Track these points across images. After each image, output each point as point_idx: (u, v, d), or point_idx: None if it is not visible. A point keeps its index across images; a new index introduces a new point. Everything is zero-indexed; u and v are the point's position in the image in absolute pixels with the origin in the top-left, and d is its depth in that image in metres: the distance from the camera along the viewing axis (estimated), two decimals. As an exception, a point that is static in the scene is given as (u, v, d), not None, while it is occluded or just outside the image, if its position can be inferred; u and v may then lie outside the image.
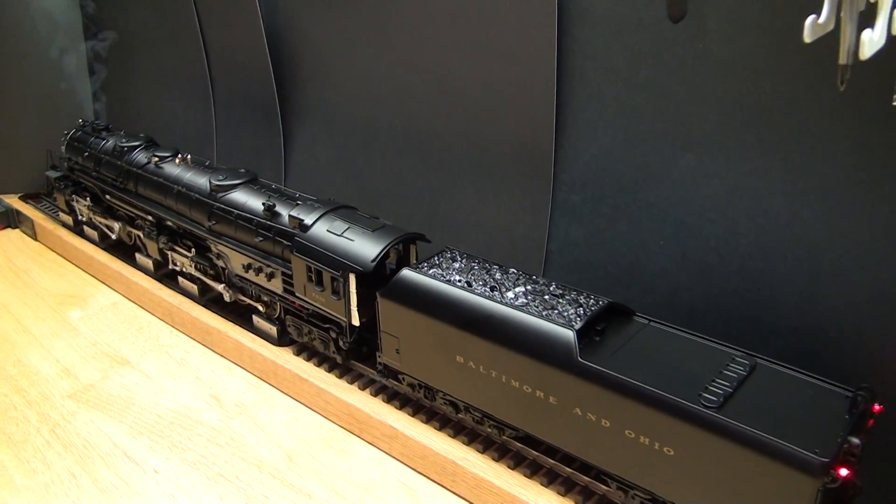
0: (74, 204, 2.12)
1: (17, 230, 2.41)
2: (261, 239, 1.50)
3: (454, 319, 1.16)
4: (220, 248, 1.61)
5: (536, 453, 1.18)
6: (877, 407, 0.96)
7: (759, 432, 0.88)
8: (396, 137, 1.72)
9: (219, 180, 1.62)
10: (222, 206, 1.59)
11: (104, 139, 1.99)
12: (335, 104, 1.85)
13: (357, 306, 1.33)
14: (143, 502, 1.25)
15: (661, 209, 1.26)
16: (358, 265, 1.30)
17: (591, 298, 1.13)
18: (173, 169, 1.75)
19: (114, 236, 2.00)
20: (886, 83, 0.84)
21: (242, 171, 1.65)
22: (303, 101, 1.94)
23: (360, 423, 1.38)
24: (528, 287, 1.17)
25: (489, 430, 1.21)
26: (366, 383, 1.42)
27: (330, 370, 1.48)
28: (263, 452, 1.37)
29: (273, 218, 1.48)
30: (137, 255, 1.95)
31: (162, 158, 1.80)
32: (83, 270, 2.11)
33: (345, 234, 1.36)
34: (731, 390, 0.96)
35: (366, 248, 1.32)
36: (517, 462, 1.20)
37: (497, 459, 1.22)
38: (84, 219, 2.11)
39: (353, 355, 1.44)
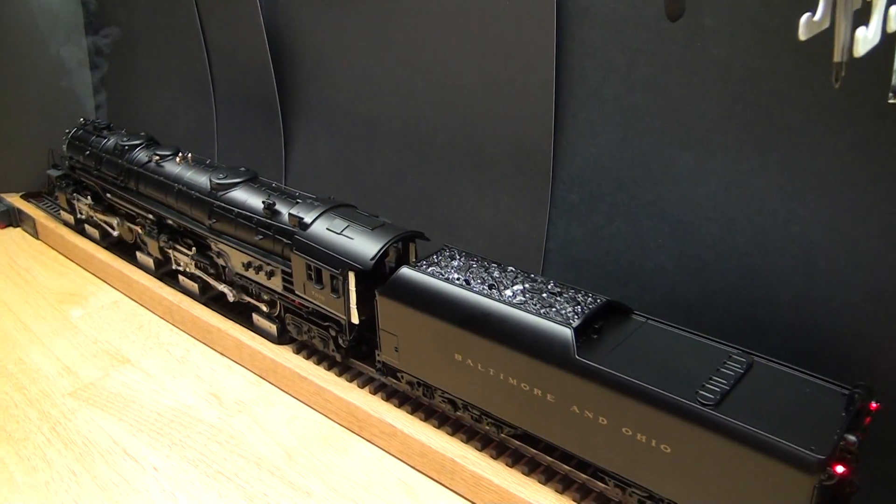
0: (75, 202, 2.13)
1: (18, 229, 2.41)
2: (261, 237, 1.50)
3: (452, 317, 1.16)
4: (221, 246, 1.61)
5: (535, 451, 1.18)
6: (874, 405, 0.96)
7: (756, 430, 0.88)
8: (396, 136, 1.72)
9: (219, 179, 1.62)
10: (222, 204, 1.59)
11: (105, 138, 2.00)
12: (335, 103, 1.86)
13: (356, 304, 1.33)
14: (142, 499, 1.26)
15: (659, 207, 1.26)
16: (357, 263, 1.30)
17: (588, 296, 1.14)
18: (174, 167, 1.76)
19: (115, 233, 2.00)
20: (884, 81, 0.84)
21: (243, 169, 1.66)
22: (303, 100, 1.94)
23: (359, 420, 1.38)
24: (527, 285, 1.17)
25: (487, 427, 1.22)
26: (365, 381, 1.43)
27: (329, 368, 1.48)
28: (263, 450, 1.37)
29: (273, 216, 1.48)
30: (138, 254, 1.95)
31: (163, 157, 1.80)
32: (84, 269, 2.12)
33: (344, 233, 1.36)
34: (727, 388, 0.96)
35: (365, 246, 1.32)
36: (515, 460, 1.21)
37: (495, 457, 1.22)
38: (85, 217, 2.12)
39: (353, 353, 1.44)
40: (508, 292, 1.15)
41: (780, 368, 1.02)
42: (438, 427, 1.30)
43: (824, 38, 0.72)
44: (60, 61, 2.41)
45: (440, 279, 1.20)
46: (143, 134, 1.95)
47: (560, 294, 1.15)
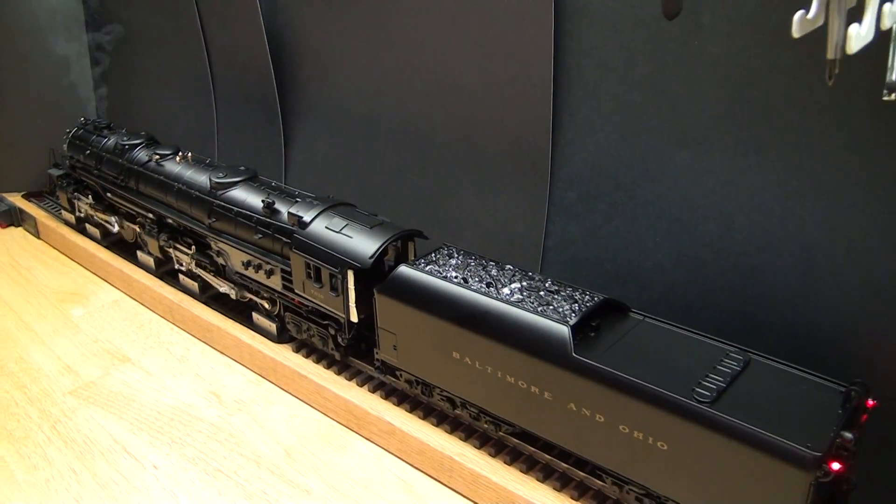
0: (76, 202, 2.13)
1: (20, 228, 2.42)
2: (260, 236, 1.51)
3: (450, 315, 1.17)
4: (220, 245, 1.62)
5: (533, 449, 1.18)
6: (870, 402, 0.96)
7: (752, 427, 0.89)
8: (395, 136, 1.73)
9: (219, 178, 1.63)
10: (222, 203, 1.60)
11: (105, 137, 2.00)
12: (335, 103, 1.86)
13: (355, 303, 1.34)
14: (142, 497, 1.26)
15: (657, 206, 1.27)
16: (356, 262, 1.31)
17: (586, 295, 1.14)
18: (174, 167, 1.76)
19: (114, 229, 2.01)
20: (880, 79, 0.84)
21: (242, 168, 1.66)
22: (303, 99, 1.94)
23: (358, 419, 1.39)
24: (524, 283, 1.17)
25: (486, 425, 1.22)
26: (364, 380, 1.43)
27: (328, 367, 1.49)
28: (262, 448, 1.37)
29: (272, 215, 1.49)
30: (139, 253, 1.96)
31: (163, 156, 1.81)
32: (85, 268, 2.13)
33: (343, 231, 1.37)
34: (724, 385, 0.96)
35: (364, 244, 1.33)
36: (513, 457, 1.21)
37: (493, 455, 1.23)
38: (86, 216, 2.13)
39: (352, 352, 1.45)
40: (506, 290, 1.15)
41: (777, 366, 1.02)
42: (437, 425, 1.30)
43: (821, 37, 0.72)
44: (61, 60, 2.42)
45: (438, 277, 1.20)
46: (143, 133, 1.96)
47: (557, 292, 1.15)
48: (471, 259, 1.27)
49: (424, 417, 1.32)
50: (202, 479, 1.30)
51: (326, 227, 1.39)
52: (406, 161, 1.72)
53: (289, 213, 1.45)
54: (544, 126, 1.37)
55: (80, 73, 2.49)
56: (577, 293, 1.14)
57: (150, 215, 1.83)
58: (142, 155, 1.87)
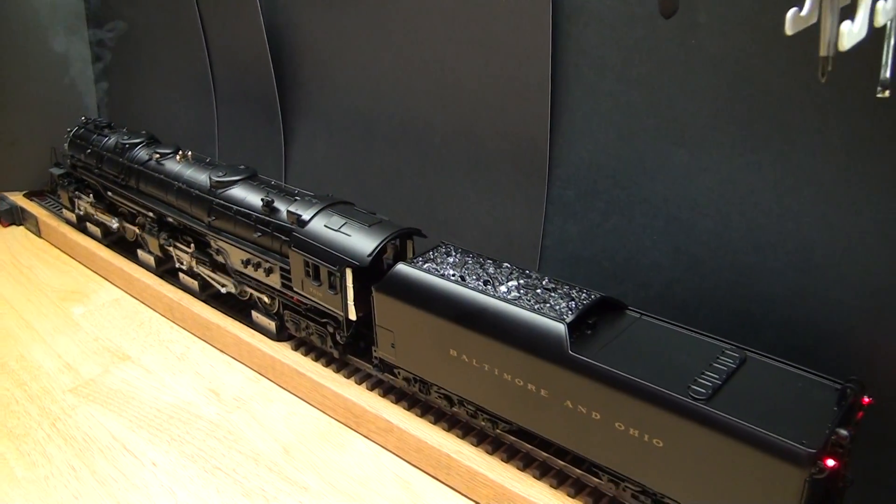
0: (77, 201, 2.14)
1: (21, 227, 2.43)
2: (259, 234, 1.51)
3: (448, 313, 1.17)
4: (220, 243, 1.62)
5: (530, 446, 1.19)
6: (866, 399, 0.96)
7: (747, 423, 0.89)
8: (395, 135, 1.73)
9: (218, 177, 1.63)
10: (222, 202, 1.60)
11: (106, 136, 2.01)
12: (334, 102, 1.87)
13: (353, 301, 1.34)
14: (141, 494, 1.27)
15: (654, 204, 1.27)
16: (354, 260, 1.31)
17: (583, 292, 1.14)
18: (174, 165, 1.77)
19: (114, 226, 2.01)
20: (877, 77, 0.85)
21: (242, 167, 1.67)
22: (303, 98, 1.95)
23: (356, 417, 1.39)
24: (521, 281, 1.18)
25: (483, 423, 1.22)
26: (362, 378, 1.44)
27: (327, 365, 1.49)
28: (261, 446, 1.38)
29: (271, 213, 1.49)
30: (139, 252, 1.96)
31: (163, 155, 1.81)
32: (86, 267, 2.13)
33: (342, 230, 1.37)
34: (720, 383, 0.96)
35: (362, 243, 1.33)
36: (511, 455, 1.21)
37: (491, 453, 1.23)
38: (86, 215, 2.13)
39: (350, 350, 1.45)
40: (503, 288, 1.16)
41: (773, 363, 1.02)
42: (435, 423, 1.31)
43: (816, 35, 0.72)
44: (62, 60, 2.43)
45: (436, 275, 1.21)
46: (143, 132, 1.97)
47: (554, 290, 1.15)
48: (468, 257, 1.27)
49: (422, 415, 1.33)
50: (201, 477, 1.30)
51: (325, 226, 1.39)
52: (405, 160, 1.72)
53: (288, 211, 1.45)
54: (542, 125, 1.38)
55: (81, 72, 2.50)
56: (573, 291, 1.15)
57: (151, 214, 1.83)
58: (142, 154, 1.88)
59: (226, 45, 2.08)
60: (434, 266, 1.24)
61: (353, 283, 1.33)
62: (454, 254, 1.29)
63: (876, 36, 0.72)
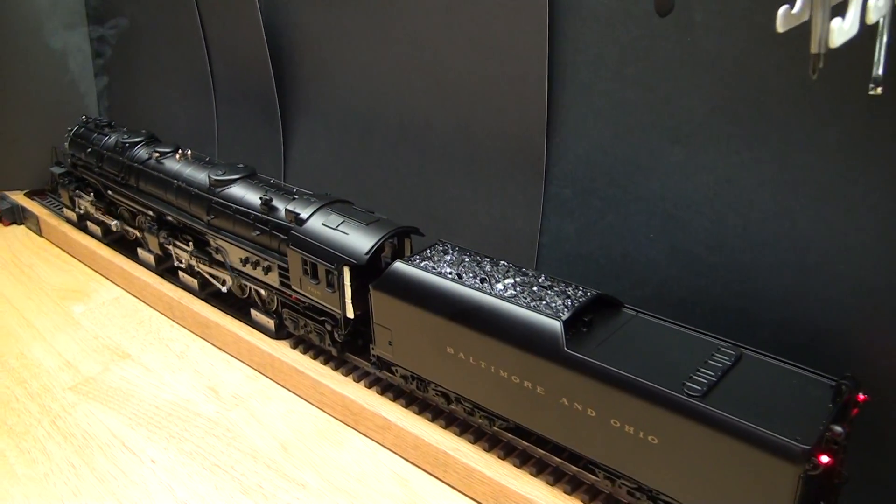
0: (78, 199, 2.15)
1: (22, 226, 2.44)
2: (258, 233, 1.52)
3: (444, 311, 1.17)
4: (219, 242, 1.63)
5: (526, 443, 1.19)
6: (861, 396, 0.97)
7: (742, 420, 0.89)
8: (393, 133, 1.73)
9: (217, 175, 1.64)
10: (221, 200, 1.61)
11: (106, 135, 2.02)
12: (333, 101, 1.87)
13: (351, 299, 1.35)
14: (139, 491, 1.27)
15: (651, 202, 1.27)
16: (352, 258, 1.32)
17: (579, 290, 1.14)
18: (173, 164, 1.77)
19: (113, 223, 2.02)
20: (870, 74, 0.85)
21: (241, 166, 1.67)
22: (302, 97, 1.95)
23: (354, 414, 1.40)
24: (518, 279, 1.18)
25: (480, 420, 1.23)
26: (360, 375, 1.44)
27: (325, 363, 1.49)
28: (259, 443, 1.38)
29: (270, 212, 1.50)
30: (139, 251, 1.97)
31: (163, 154, 1.82)
32: (86, 265, 2.14)
33: (339, 228, 1.37)
34: (714, 380, 0.97)
35: (360, 241, 1.34)
36: (507, 452, 1.22)
37: (488, 450, 1.23)
38: (87, 214, 2.14)
39: (349, 348, 1.46)
40: (499, 286, 1.16)
41: (769, 361, 1.02)
42: (432, 420, 1.31)
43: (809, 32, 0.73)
44: (63, 59, 2.43)
45: (433, 273, 1.21)
46: (143, 131, 1.97)
47: (551, 288, 1.15)
48: (465, 255, 1.28)
49: (420, 413, 1.33)
50: (199, 474, 1.31)
51: (323, 224, 1.40)
52: (403, 159, 1.73)
53: (286, 209, 1.46)
54: (539, 123, 1.38)
55: (82, 71, 2.51)
56: (570, 289, 1.15)
57: (150, 213, 1.84)
58: (142, 153, 1.88)
59: (225, 44, 2.08)
60: (431, 264, 1.25)
61: (351, 281, 1.33)
62: (451, 252, 1.29)
63: (871, 33, 0.73)
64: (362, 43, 1.72)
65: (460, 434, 1.27)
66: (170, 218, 1.77)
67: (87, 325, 1.82)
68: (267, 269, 1.52)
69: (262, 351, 1.57)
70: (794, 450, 0.85)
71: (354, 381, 1.44)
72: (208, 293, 1.78)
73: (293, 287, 1.45)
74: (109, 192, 1.97)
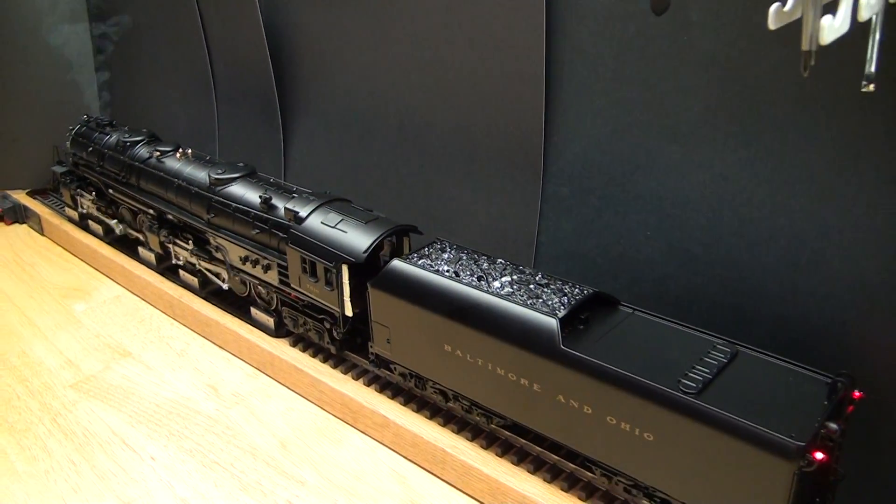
0: (79, 199, 2.16)
1: (24, 225, 2.45)
2: (257, 231, 1.52)
3: (442, 309, 1.18)
4: (219, 240, 1.63)
5: (524, 441, 1.19)
6: (857, 393, 0.97)
7: (736, 417, 0.89)
8: (392, 133, 1.74)
9: (217, 174, 1.64)
10: (221, 199, 1.61)
11: (108, 134, 2.02)
12: (333, 100, 1.88)
13: (350, 297, 1.35)
14: (139, 488, 1.28)
15: (648, 200, 1.27)
16: (350, 256, 1.32)
17: (576, 288, 1.15)
18: (174, 163, 1.78)
19: (112, 221, 2.03)
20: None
21: (241, 165, 1.68)
22: (302, 96, 1.96)
23: (353, 412, 1.40)
24: (515, 277, 1.18)
25: (477, 418, 1.23)
26: (359, 373, 1.45)
27: (324, 360, 1.50)
28: (258, 441, 1.39)
29: (269, 210, 1.51)
30: (140, 249, 1.98)
31: (163, 153, 1.83)
32: (88, 264, 2.15)
33: (338, 226, 1.38)
34: (710, 377, 0.97)
35: (358, 239, 1.34)
36: (505, 449, 1.22)
37: (485, 447, 1.24)
38: (88, 213, 2.15)
39: (347, 346, 1.46)
40: (496, 284, 1.16)
41: (764, 358, 1.02)
42: (430, 418, 1.32)
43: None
44: (64, 58, 2.44)
45: (430, 271, 1.22)
46: (144, 130, 1.98)
47: (547, 285, 1.16)
48: (463, 253, 1.28)
49: (418, 410, 1.34)
50: (199, 471, 1.32)
51: (322, 223, 1.40)
52: (403, 158, 1.73)
53: (285, 208, 1.46)
54: (537, 122, 1.38)
55: (83, 70, 2.52)
56: (566, 286, 1.15)
57: (151, 211, 1.85)
58: (143, 152, 1.89)
59: (226, 44, 2.09)
60: (429, 262, 1.25)
61: (350, 279, 1.33)
62: (449, 250, 1.29)
63: (865, 31, 0.73)
64: (362, 43, 1.73)
65: (458, 431, 1.28)
66: (170, 216, 1.78)
67: (89, 324, 1.83)
68: (266, 268, 1.52)
69: (262, 349, 1.58)
70: (789, 446, 0.86)
71: (353, 378, 1.44)
72: (209, 292, 1.79)
73: (292, 285, 1.46)
74: (110, 190, 1.98)
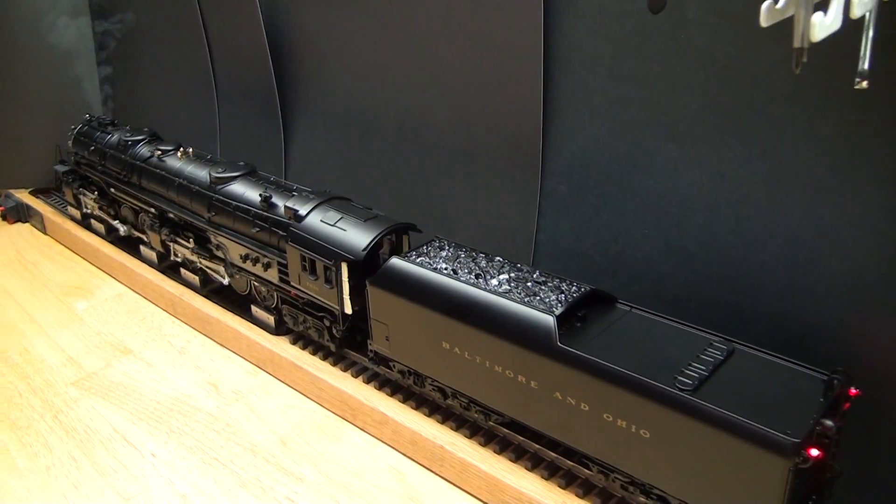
0: (81, 197, 2.17)
1: (27, 224, 2.46)
2: (257, 229, 1.53)
3: (440, 306, 1.18)
4: (220, 238, 1.64)
5: (522, 438, 1.20)
6: (853, 391, 0.97)
7: (732, 414, 0.90)
8: (392, 131, 1.74)
9: (218, 173, 1.65)
10: (221, 197, 1.62)
11: (109, 133, 2.03)
12: (333, 99, 1.88)
13: (349, 295, 1.36)
14: (140, 485, 1.29)
15: (646, 198, 1.28)
16: (349, 254, 1.33)
17: (573, 286, 1.15)
18: (175, 162, 1.79)
19: (114, 221, 2.04)
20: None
21: (241, 163, 1.69)
22: (302, 95, 1.97)
23: (352, 409, 1.41)
24: (513, 274, 1.19)
25: (476, 415, 1.24)
26: (358, 371, 1.45)
27: (324, 358, 1.51)
28: (258, 438, 1.40)
29: (269, 209, 1.51)
30: (142, 248, 1.99)
31: (164, 152, 1.83)
32: (90, 263, 2.16)
33: (338, 224, 1.39)
34: (706, 374, 0.97)
35: (357, 237, 1.35)
36: (503, 447, 1.22)
37: (483, 444, 1.24)
38: (90, 212, 2.16)
39: (347, 343, 1.47)
40: (494, 281, 1.17)
41: (761, 355, 1.02)
42: (429, 415, 1.32)
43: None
44: (66, 57, 2.45)
45: (428, 269, 1.22)
46: (146, 129, 1.99)
47: (545, 283, 1.16)
48: (461, 251, 1.28)
49: (417, 408, 1.34)
50: (199, 468, 1.32)
51: (321, 221, 1.41)
52: (402, 156, 1.74)
53: (285, 206, 1.47)
54: (535, 120, 1.39)
55: (85, 70, 2.53)
56: (564, 284, 1.16)
57: (152, 210, 1.86)
58: (144, 151, 1.90)
59: (227, 43, 2.10)
60: (427, 260, 1.26)
61: (349, 277, 1.34)
62: (447, 248, 1.30)
63: (850, 28, 0.73)
64: (362, 43, 1.73)
65: (457, 429, 1.28)
66: (171, 215, 1.79)
67: (90, 322, 1.84)
68: (266, 266, 1.53)
69: (262, 347, 1.58)
70: (784, 443, 0.86)
71: (353, 376, 1.45)
72: (209, 290, 1.79)
73: (292, 283, 1.46)
74: (112, 189, 1.99)
